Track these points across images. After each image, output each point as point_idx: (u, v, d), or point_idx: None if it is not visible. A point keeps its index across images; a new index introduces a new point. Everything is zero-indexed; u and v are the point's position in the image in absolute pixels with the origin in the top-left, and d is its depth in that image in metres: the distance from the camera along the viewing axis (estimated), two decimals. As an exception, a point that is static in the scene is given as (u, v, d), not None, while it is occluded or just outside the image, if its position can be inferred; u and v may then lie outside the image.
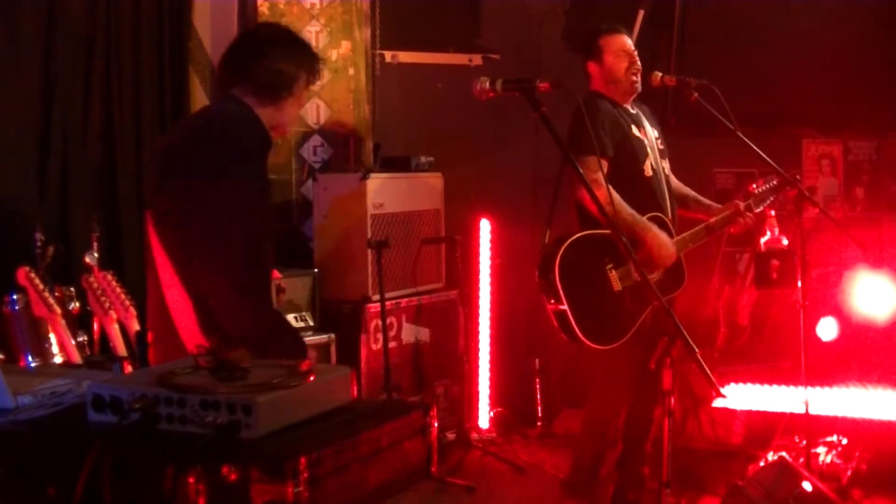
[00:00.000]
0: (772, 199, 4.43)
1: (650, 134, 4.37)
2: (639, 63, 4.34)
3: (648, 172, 4.27)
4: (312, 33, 5.64)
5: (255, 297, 2.79)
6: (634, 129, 4.28)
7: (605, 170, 4.02)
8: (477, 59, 6.02)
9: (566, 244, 4.01)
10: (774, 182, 4.43)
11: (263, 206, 2.89)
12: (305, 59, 3.02)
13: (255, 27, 3.10)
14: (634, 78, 4.32)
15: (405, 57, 5.92)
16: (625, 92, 4.33)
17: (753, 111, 5.06)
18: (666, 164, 4.40)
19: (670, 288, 4.20)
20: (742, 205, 4.34)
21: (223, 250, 2.74)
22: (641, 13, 5.72)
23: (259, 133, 2.90)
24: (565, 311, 3.93)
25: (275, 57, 2.95)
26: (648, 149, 4.30)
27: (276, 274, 3.36)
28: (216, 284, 2.74)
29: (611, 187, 3.98)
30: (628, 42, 4.38)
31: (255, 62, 2.94)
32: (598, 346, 3.98)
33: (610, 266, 4.03)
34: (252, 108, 2.92)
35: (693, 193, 4.54)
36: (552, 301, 4.00)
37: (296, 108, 3.06)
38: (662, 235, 4.17)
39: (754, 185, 4.45)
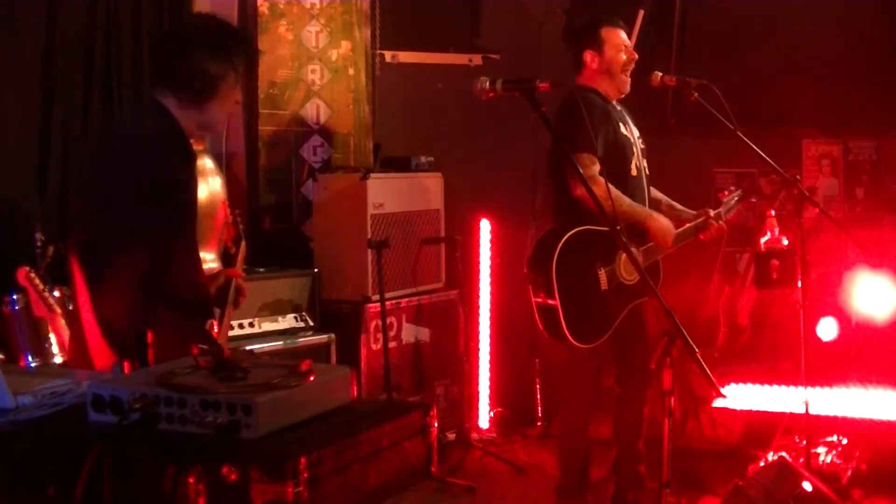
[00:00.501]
0: (736, 209, 4.52)
1: (634, 133, 4.37)
2: (635, 62, 4.34)
3: (634, 172, 4.27)
4: (312, 33, 5.63)
5: (155, 319, 2.67)
6: (622, 127, 4.28)
7: (598, 166, 4.02)
8: (477, 59, 6.01)
9: (563, 239, 4.00)
10: (739, 192, 4.53)
11: (169, 223, 2.76)
12: (233, 56, 2.84)
13: (181, 21, 2.91)
14: (626, 77, 4.31)
15: (405, 57, 5.92)
16: (616, 88, 4.33)
17: (753, 111, 5.05)
18: (646, 165, 4.40)
19: (646, 290, 4.18)
20: (713, 212, 4.36)
21: (118, 275, 2.67)
22: (641, 13, 5.72)
23: (161, 147, 2.75)
24: (555, 306, 3.93)
25: (198, 57, 2.77)
26: (634, 147, 4.31)
27: (237, 274, 3.23)
28: (115, 307, 2.70)
29: (609, 183, 4.00)
30: (627, 38, 4.38)
31: (175, 63, 2.78)
32: (581, 345, 3.99)
33: (599, 264, 4.04)
34: (169, 112, 2.80)
35: (666, 198, 4.53)
36: (541, 295, 3.99)
37: (223, 107, 2.88)
38: (661, 219, 4.21)
39: (725, 192, 4.50)
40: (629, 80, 4.32)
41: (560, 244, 3.97)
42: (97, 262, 2.72)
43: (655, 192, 4.49)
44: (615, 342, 4.14)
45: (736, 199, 4.51)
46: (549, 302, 3.95)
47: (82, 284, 2.80)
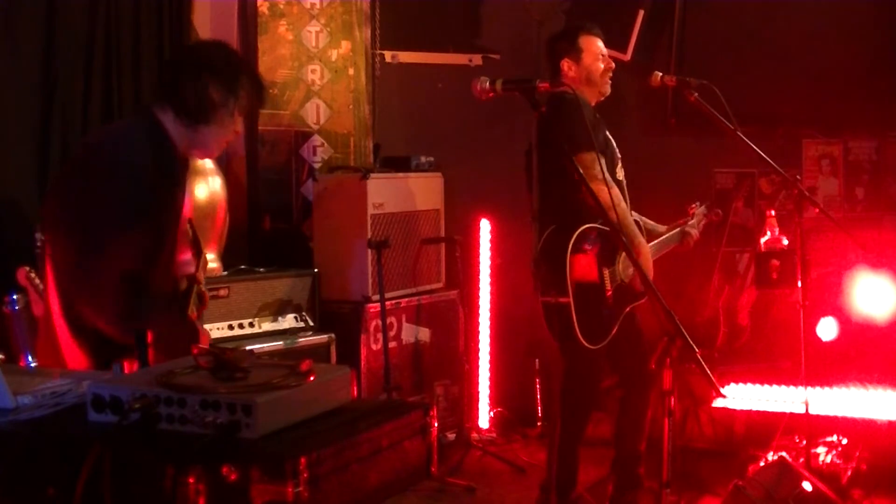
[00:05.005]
0: (703, 223, 4.58)
1: (612, 140, 4.37)
2: (612, 70, 4.36)
3: (620, 176, 4.27)
4: (312, 33, 5.64)
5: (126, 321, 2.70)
6: (606, 131, 4.29)
7: (604, 165, 4.00)
8: (477, 59, 6.01)
9: (575, 236, 3.98)
10: (703, 208, 4.60)
11: (141, 233, 2.76)
12: (239, 87, 2.90)
13: (198, 45, 2.99)
14: (606, 80, 4.32)
15: (405, 57, 5.92)
16: (597, 92, 4.33)
17: (753, 111, 5.06)
18: (623, 173, 4.41)
19: (639, 294, 4.18)
20: (689, 223, 4.43)
21: (89, 283, 2.71)
22: (641, 13, 5.72)
23: (141, 160, 2.77)
24: (568, 304, 3.89)
25: (204, 81, 2.85)
26: (617, 153, 4.31)
27: (200, 280, 3.19)
28: (90, 316, 2.73)
29: (614, 187, 3.99)
30: (604, 47, 4.39)
31: (181, 82, 2.86)
32: (589, 346, 3.97)
33: (602, 265, 4.03)
34: (161, 126, 2.85)
35: (635, 214, 4.54)
36: (552, 294, 3.93)
37: (219, 134, 2.93)
38: (646, 249, 4.18)
39: (694, 206, 4.59)
40: (609, 82, 4.33)
41: (572, 241, 3.95)
42: (76, 272, 2.74)
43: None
44: (613, 344, 4.10)
45: (702, 212, 4.59)
46: (561, 300, 3.87)
47: (54, 287, 2.84)
